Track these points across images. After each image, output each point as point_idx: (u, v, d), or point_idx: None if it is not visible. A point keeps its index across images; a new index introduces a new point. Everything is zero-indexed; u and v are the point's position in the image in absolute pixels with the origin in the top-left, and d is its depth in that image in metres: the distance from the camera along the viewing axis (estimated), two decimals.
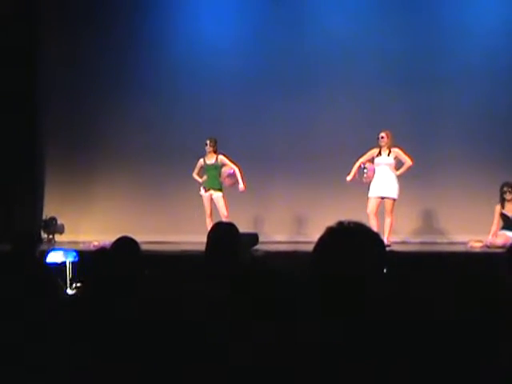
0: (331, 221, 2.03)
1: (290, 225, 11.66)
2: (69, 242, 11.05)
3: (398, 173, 10.00)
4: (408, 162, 10.01)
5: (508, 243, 9.59)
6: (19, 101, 11.90)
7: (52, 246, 10.32)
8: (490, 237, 9.91)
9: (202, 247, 3.94)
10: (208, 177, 10.51)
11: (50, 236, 11.99)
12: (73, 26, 12.17)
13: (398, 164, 10.09)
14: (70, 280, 7.44)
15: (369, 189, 10.03)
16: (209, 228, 4.30)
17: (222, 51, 11.85)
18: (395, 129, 10.28)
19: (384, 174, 9.95)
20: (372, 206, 9.95)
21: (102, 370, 2.46)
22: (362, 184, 10.04)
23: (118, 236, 4.49)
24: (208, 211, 10.49)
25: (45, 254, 7.77)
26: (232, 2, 12.25)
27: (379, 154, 10.05)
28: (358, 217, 2.11)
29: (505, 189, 9.99)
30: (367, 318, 1.87)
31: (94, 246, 9.52)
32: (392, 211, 9.94)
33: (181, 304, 2.13)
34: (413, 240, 11.10)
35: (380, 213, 9.97)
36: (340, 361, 1.80)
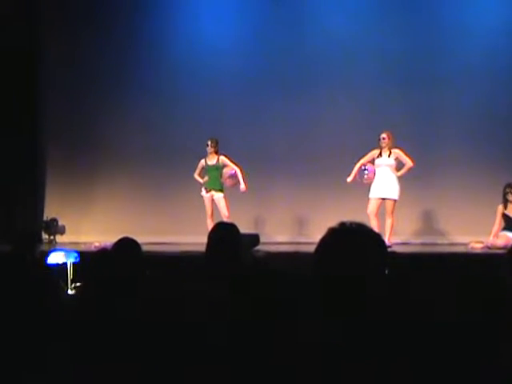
0: (332, 222, 2.04)
1: (291, 225, 11.65)
2: (70, 243, 11.04)
3: (399, 174, 10.00)
4: (409, 163, 10.01)
5: (509, 244, 9.60)
6: (20, 101, 11.91)
7: (53, 247, 10.32)
8: (491, 237, 9.91)
9: (203, 248, 3.94)
10: (209, 177, 10.51)
11: (51, 237, 11.98)
12: (73, 26, 12.16)
13: (399, 165, 10.09)
14: (71, 281, 7.44)
15: (369, 190, 10.03)
16: (210, 229, 4.30)
17: (223, 51, 11.85)
18: (395, 129, 10.28)
19: (385, 175, 9.94)
20: (372, 206, 9.95)
21: (103, 370, 2.46)
22: (363, 185, 10.03)
23: (119, 237, 4.49)
24: (209, 212, 10.49)
25: (46, 254, 7.77)
26: (232, 2, 12.25)
27: (380, 155, 10.04)
28: (359, 218, 2.11)
29: (507, 190, 9.99)
30: (368, 319, 1.87)
31: (95, 246, 9.51)
32: (393, 212, 9.94)
33: (182, 305, 2.13)
34: (413, 241, 11.10)
35: (381, 214, 9.97)
36: (341, 361, 1.80)
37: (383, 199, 9.96)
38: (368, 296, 1.89)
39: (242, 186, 10.43)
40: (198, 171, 10.66)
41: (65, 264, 7.76)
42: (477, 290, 2.37)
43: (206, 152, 10.60)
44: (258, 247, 9.02)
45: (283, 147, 11.74)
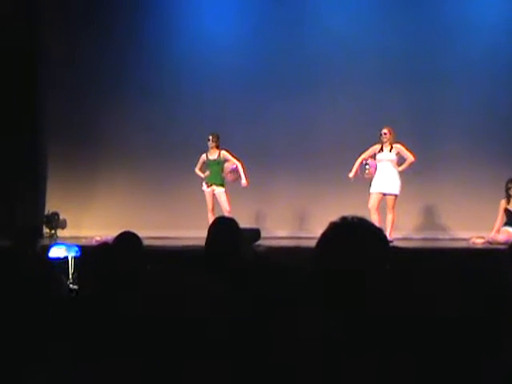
0: (333, 216, 2.03)
1: (291, 220, 11.66)
2: (71, 237, 11.05)
3: (400, 169, 10.00)
4: (410, 157, 10.00)
5: (510, 239, 9.61)
6: (21, 100, 11.92)
7: (54, 241, 10.33)
8: (493, 232, 9.91)
9: (204, 242, 3.94)
10: (210, 172, 10.52)
11: (52, 231, 12.00)
12: (73, 25, 12.16)
13: (400, 160, 10.09)
14: (72, 275, 7.45)
15: (370, 185, 10.02)
16: None
17: (224, 49, 11.85)
18: (397, 126, 10.28)
19: (386, 170, 9.94)
20: (373, 201, 9.94)
21: (104, 366, 2.46)
22: (364, 180, 10.03)
23: (120, 231, 4.50)
24: (210, 206, 10.50)
25: (47, 249, 7.78)
26: (234, 1, 12.24)
27: (381, 149, 10.04)
28: (360, 212, 2.11)
29: (510, 185, 10.00)
30: (369, 313, 1.87)
31: (96, 241, 9.52)
32: (394, 207, 9.94)
33: (182, 300, 2.13)
34: (415, 236, 11.10)
35: (381, 208, 9.97)
36: (342, 355, 1.80)
37: (384, 194, 9.96)
38: (369, 290, 1.89)
39: (244, 180, 10.43)
40: (199, 166, 10.66)
41: (66, 258, 7.77)
42: (478, 285, 2.37)
43: (207, 147, 10.60)
44: (259, 242, 9.02)
45: (284, 143, 11.74)
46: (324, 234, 1.97)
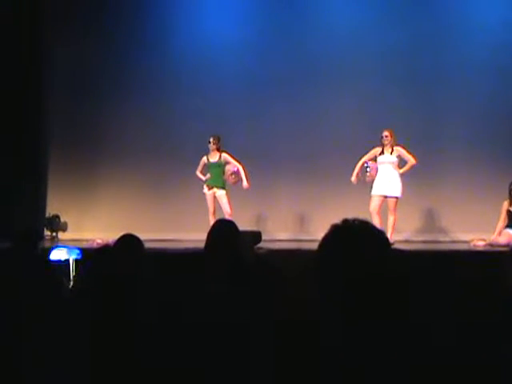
0: (334, 219, 2.03)
1: (293, 223, 11.65)
2: (72, 240, 11.05)
3: (402, 171, 9.99)
4: (411, 160, 10.00)
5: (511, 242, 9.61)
6: (23, 99, 11.92)
7: (55, 244, 10.33)
8: (495, 234, 9.90)
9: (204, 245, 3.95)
10: (211, 175, 10.52)
11: (53, 234, 12.00)
12: (75, 25, 12.15)
13: (401, 162, 10.09)
14: (73, 277, 7.45)
15: (372, 187, 10.02)
16: None
17: (226, 49, 11.84)
18: (399, 127, 10.28)
19: (387, 173, 9.94)
20: (375, 204, 9.94)
21: (102, 367, 2.46)
22: (365, 183, 10.04)
23: (122, 234, 4.50)
24: (211, 209, 10.50)
25: (48, 251, 7.78)
26: (234, 1, 12.24)
27: (382, 152, 10.04)
28: (361, 215, 2.10)
29: None
30: (370, 317, 1.87)
31: (97, 243, 9.52)
32: (395, 210, 9.94)
33: (182, 305, 2.13)
34: (416, 238, 11.09)
35: (383, 211, 9.97)
36: (339, 360, 1.80)
37: (385, 197, 9.96)
38: (370, 294, 1.88)
39: (245, 183, 10.43)
40: (200, 168, 10.66)
41: (67, 261, 7.77)
42: (479, 288, 2.37)
43: (208, 149, 10.60)
44: (260, 244, 9.02)
45: (286, 145, 11.74)
46: (326, 237, 1.97)
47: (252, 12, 12.07)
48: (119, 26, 12.06)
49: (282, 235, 11.25)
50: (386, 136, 10.01)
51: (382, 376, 1.78)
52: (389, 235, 9.47)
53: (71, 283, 6.99)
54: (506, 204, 10.00)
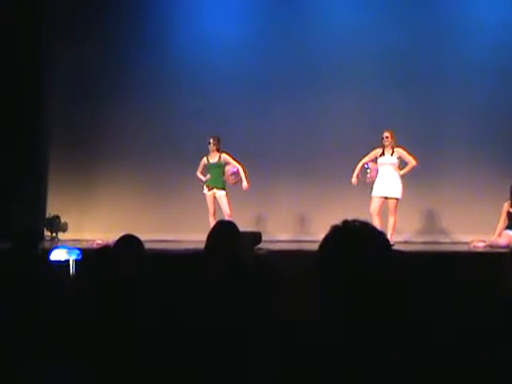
0: (334, 220, 2.03)
1: (293, 224, 11.65)
2: (72, 240, 11.05)
3: (402, 172, 9.99)
4: (412, 162, 9.99)
5: (511, 243, 9.60)
6: (23, 99, 11.92)
7: (55, 244, 10.33)
8: (495, 235, 9.89)
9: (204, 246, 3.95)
10: (211, 175, 10.52)
11: (54, 234, 12.00)
12: (75, 26, 12.16)
13: (402, 163, 10.08)
14: (73, 278, 7.44)
15: (372, 188, 10.02)
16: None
17: (226, 49, 11.84)
18: (399, 128, 10.27)
19: (387, 174, 9.94)
20: (375, 205, 9.94)
21: (102, 367, 2.46)
22: (366, 184, 10.03)
23: (122, 234, 4.50)
24: (211, 210, 10.50)
25: (48, 252, 7.78)
26: (234, 1, 12.24)
27: (382, 153, 10.04)
28: (361, 216, 2.10)
29: None
30: (370, 318, 1.87)
31: (97, 244, 9.52)
32: (395, 211, 9.93)
33: (182, 304, 2.13)
34: (416, 240, 11.09)
35: (383, 212, 9.97)
36: (340, 360, 1.80)
37: (386, 198, 9.96)
38: (371, 294, 1.88)
39: (245, 183, 10.43)
40: (200, 169, 10.66)
41: (67, 261, 7.76)
42: (479, 289, 2.37)
43: (208, 150, 10.60)
44: (260, 245, 9.01)
45: (286, 145, 11.74)
46: (326, 238, 1.96)
47: (252, 12, 12.07)
48: (119, 26, 12.06)
49: (282, 236, 11.25)
50: (387, 137, 10.00)
51: (382, 376, 1.78)
52: (389, 236, 9.46)
53: (71, 284, 6.99)
54: (506, 205, 9.99)
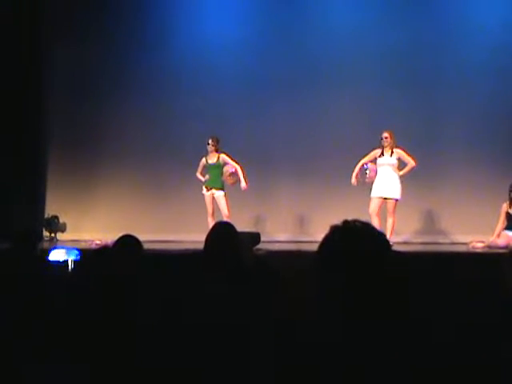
0: (333, 220, 2.03)
1: (292, 224, 11.65)
2: (71, 241, 11.05)
3: (401, 173, 9.99)
4: (411, 162, 10.00)
5: (510, 244, 9.61)
6: (23, 99, 11.92)
7: (54, 245, 10.33)
8: (494, 236, 9.90)
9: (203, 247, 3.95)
10: (210, 176, 10.52)
11: (52, 234, 11.99)
12: (75, 27, 12.16)
13: (401, 164, 10.08)
14: (71, 278, 7.44)
15: (371, 189, 10.02)
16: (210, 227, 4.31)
17: (226, 50, 11.84)
18: (398, 129, 10.28)
19: (386, 175, 9.94)
20: (374, 206, 9.94)
21: (102, 368, 2.46)
22: (364, 185, 10.03)
23: (120, 234, 4.50)
24: (210, 210, 10.50)
25: (47, 252, 7.79)
26: (234, 1, 12.24)
27: (381, 154, 10.04)
28: (361, 217, 2.10)
29: None
30: (370, 318, 1.87)
31: (96, 244, 9.52)
32: (394, 211, 9.93)
33: (182, 305, 2.13)
34: (415, 240, 11.10)
35: (382, 213, 9.97)
36: (340, 360, 1.80)
37: (385, 198, 9.96)
38: (370, 295, 1.89)
39: (243, 183, 10.43)
40: (199, 170, 10.66)
41: (66, 261, 7.76)
42: (478, 290, 2.37)
43: (207, 150, 10.60)
44: (259, 246, 9.02)
45: (285, 146, 11.74)
46: (325, 238, 1.96)
47: (252, 12, 12.07)
48: (119, 26, 12.06)
49: (281, 236, 11.25)
50: (386, 137, 10.01)
51: (382, 376, 1.78)
52: (388, 237, 9.44)
53: (70, 284, 6.99)
54: (505, 206, 9.99)
